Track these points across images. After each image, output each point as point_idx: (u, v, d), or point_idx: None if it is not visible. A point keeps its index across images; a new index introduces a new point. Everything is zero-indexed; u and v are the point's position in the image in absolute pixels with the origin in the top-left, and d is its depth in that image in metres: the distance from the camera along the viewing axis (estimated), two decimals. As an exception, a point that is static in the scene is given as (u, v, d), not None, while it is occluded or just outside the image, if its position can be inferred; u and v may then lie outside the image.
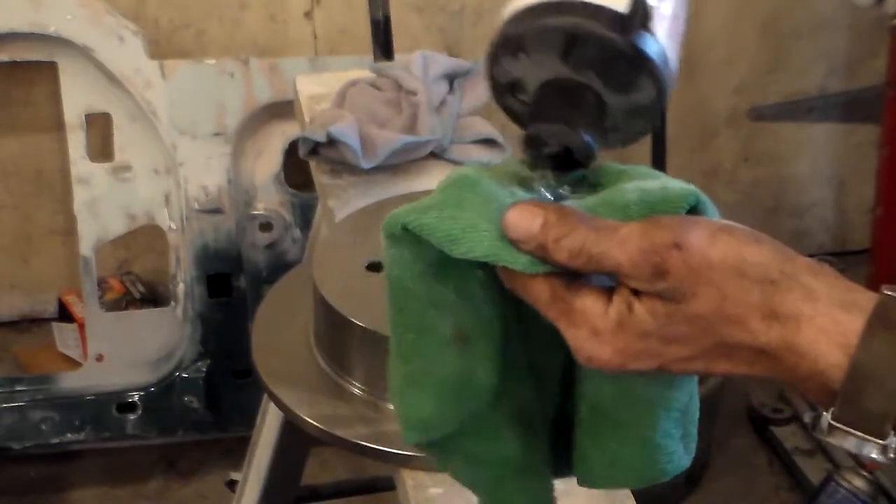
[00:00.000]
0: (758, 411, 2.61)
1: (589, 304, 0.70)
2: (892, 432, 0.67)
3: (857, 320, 0.67)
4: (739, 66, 2.73)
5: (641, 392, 0.75)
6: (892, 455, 0.68)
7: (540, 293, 0.71)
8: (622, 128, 0.77)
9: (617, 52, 0.72)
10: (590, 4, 0.72)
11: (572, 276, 0.71)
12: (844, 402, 0.67)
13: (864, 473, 2.25)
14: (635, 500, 0.99)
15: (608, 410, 0.76)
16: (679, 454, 0.78)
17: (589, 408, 0.77)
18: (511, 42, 0.74)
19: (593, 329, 0.70)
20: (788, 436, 2.55)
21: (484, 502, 0.83)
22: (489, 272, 0.74)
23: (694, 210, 0.73)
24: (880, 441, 0.67)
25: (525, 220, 0.71)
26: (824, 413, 0.68)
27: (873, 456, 0.68)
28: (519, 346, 0.77)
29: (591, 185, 0.76)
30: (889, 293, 0.67)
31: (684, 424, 0.78)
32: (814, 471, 2.42)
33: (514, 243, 0.71)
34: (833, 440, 0.69)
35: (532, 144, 0.75)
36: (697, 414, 0.80)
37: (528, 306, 0.73)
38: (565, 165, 0.75)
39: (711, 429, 2.52)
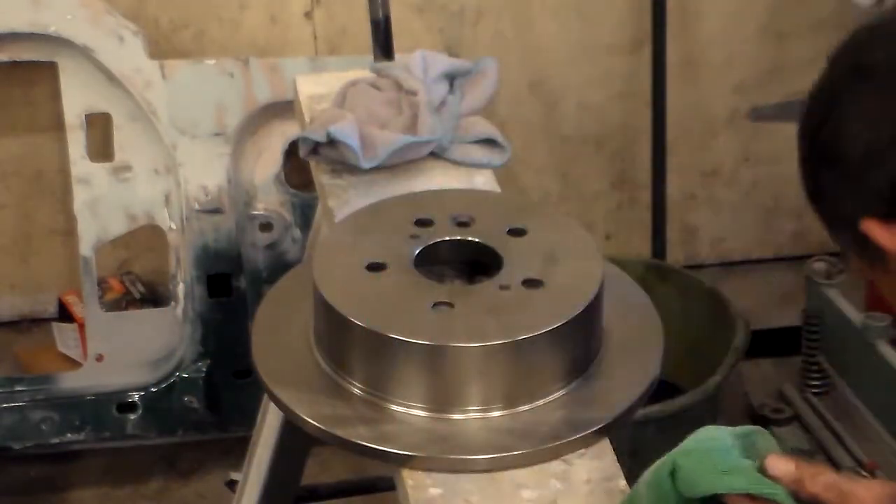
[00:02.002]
0: (758, 411, 2.61)
1: None
2: None
3: None
4: (739, 66, 2.73)
5: None
6: None
7: None
8: None
9: None
10: None
11: None
12: None
13: (864, 474, 2.25)
14: (635, 499, 0.99)
15: None
16: None
17: None
18: None
19: None
20: (788, 436, 2.55)
21: None
22: None
23: None
24: None
25: (783, 462, 0.92)
26: None
27: None
28: None
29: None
30: None
31: None
32: (814, 471, 2.42)
33: (772, 478, 0.91)
34: None
35: None
36: None
37: None
38: None
39: (711, 429, 2.51)
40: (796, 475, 0.91)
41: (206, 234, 2.40)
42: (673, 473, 0.93)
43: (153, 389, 2.42)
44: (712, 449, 0.94)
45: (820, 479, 0.91)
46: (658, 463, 0.95)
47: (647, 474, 0.96)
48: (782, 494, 0.91)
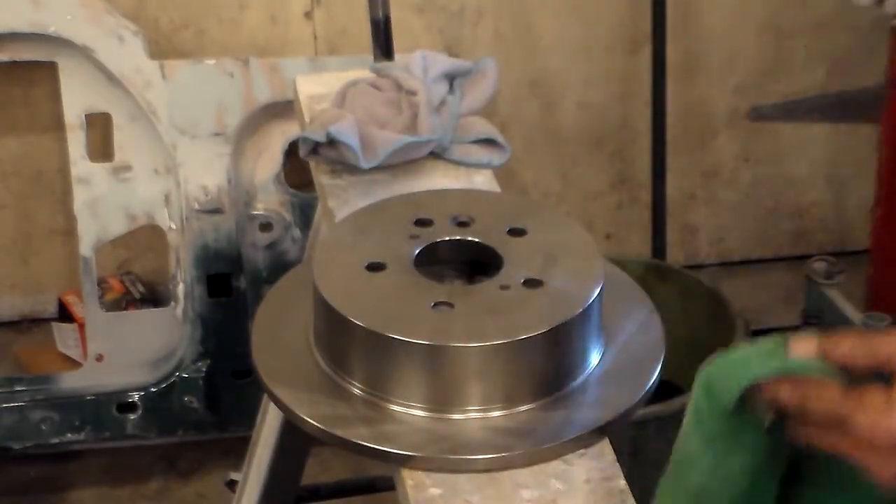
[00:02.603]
0: (758, 411, 2.61)
1: (874, 389, 0.85)
2: None
3: None
4: (739, 66, 2.73)
5: None
6: None
7: (831, 393, 0.86)
8: None
9: None
10: None
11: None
12: None
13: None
14: (635, 499, 0.99)
15: None
16: None
17: None
18: None
19: (888, 403, 0.84)
20: (788, 436, 2.55)
21: None
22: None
23: None
24: None
25: (804, 340, 0.88)
26: None
27: None
28: None
29: None
30: None
31: None
32: (814, 471, 2.42)
33: (798, 357, 0.88)
34: None
35: None
36: None
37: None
38: None
39: (711, 429, 2.52)
40: (820, 348, 0.88)
41: (206, 234, 2.40)
42: (704, 386, 0.90)
43: (153, 389, 2.42)
44: (740, 353, 0.90)
45: (845, 341, 0.87)
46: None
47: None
48: (814, 366, 0.87)
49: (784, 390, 0.87)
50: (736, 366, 0.88)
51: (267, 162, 2.46)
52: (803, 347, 0.88)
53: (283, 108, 2.35)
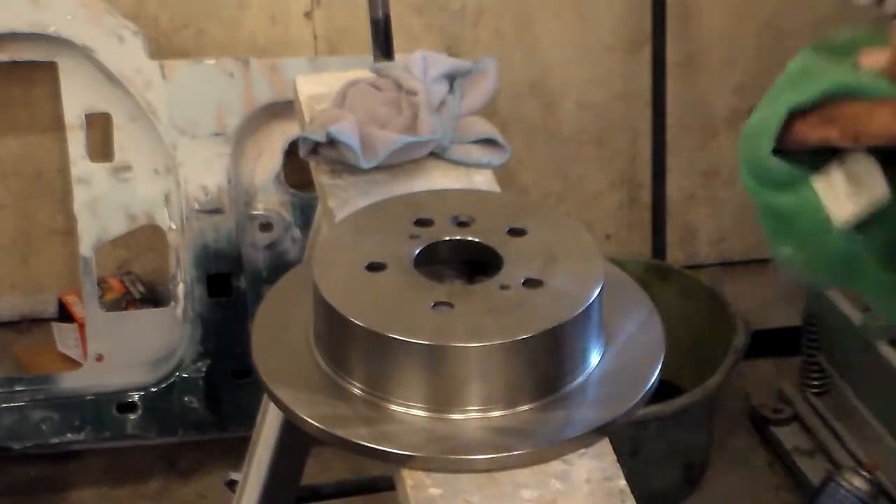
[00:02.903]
0: (758, 411, 2.61)
1: None
2: None
3: None
4: (739, 66, 2.73)
5: None
6: None
7: (885, 112, 0.83)
8: None
9: None
10: None
11: None
12: None
13: (864, 473, 2.25)
14: (635, 499, 0.99)
15: None
16: None
17: None
18: None
19: None
20: (788, 436, 2.56)
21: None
22: None
23: None
24: None
25: (877, 51, 0.85)
26: None
27: None
28: None
29: None
30: None
31: None
32: (814, 471, 2.43)
33: (869, 69, 0.83)
34: None
35: None
36: None
37: None
38: None
39: (711, 429, 2.52)
40: (891, 59, 0.82)
41: (206, 234, 2.40)
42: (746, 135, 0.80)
43: (153, 389, 2.42)
44: (782, 79, 0.81)
45: None
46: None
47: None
48: (883, 86, 0.79)
49: (830, 125, 0.84)
50: (776, 95, 0.80)
51: (267, 162, 2.46)
52: (874, 59, 0.83)
53: (283, 108, 2.35)
